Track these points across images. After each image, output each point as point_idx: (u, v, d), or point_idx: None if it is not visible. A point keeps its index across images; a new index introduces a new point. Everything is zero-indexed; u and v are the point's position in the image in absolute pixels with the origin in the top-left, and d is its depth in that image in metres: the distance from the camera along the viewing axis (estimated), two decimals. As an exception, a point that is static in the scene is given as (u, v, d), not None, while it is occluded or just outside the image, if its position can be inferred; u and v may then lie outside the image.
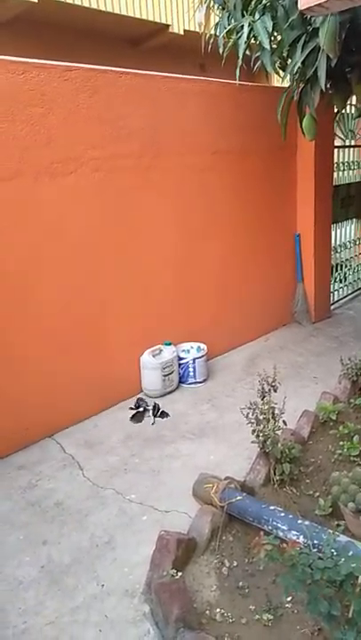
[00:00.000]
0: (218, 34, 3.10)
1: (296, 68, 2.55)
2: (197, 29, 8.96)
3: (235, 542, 2.25)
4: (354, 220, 6.16)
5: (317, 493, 2.53)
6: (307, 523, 2.00)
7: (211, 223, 4.21)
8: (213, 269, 4.33)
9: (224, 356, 4.60)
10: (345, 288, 6.21)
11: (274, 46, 2.84)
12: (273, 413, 2.52)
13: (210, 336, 4.29)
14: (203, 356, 4.01)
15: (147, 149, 3.61)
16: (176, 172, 3.86)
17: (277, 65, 3.06)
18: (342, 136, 6.00)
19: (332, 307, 5.75)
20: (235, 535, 2.29)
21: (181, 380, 4.01)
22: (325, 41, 2.28)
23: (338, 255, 5.87)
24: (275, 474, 2.57)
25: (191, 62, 7.31)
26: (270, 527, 2.09)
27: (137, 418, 3.53)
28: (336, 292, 5.94)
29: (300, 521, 2.03)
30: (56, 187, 3.12)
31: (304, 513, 2.40)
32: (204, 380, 4.07)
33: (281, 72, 3.73)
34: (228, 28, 2.78)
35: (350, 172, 5.88)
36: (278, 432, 2.51)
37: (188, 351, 4.05)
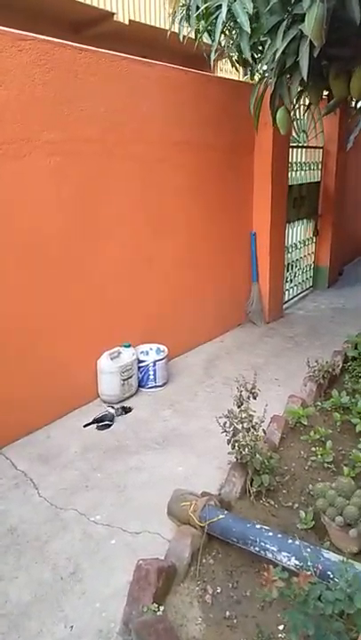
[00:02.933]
0: (190, 14, 2.88)
1: (277, 55, 2.40)
2: (144, 20, 8.72)
3: (216, 565, 2.07)
4: (304, 220, 6.21)
5: (296, 505, 2.41)
6: (297, 542, 1.86)
7: (167, 219, 4.00)
8: (169, 267, 4.12)
9: (182, 358, 4.42)
10: (295, 288, 6.26)
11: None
12: (252, 422, 2.36)
13: (167, 337, 4.08)
14: (163, 358, 3.80)
15: (108, 135, 3.32)
16: (137, 162, 3.61)
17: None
18: (295, 135, 6.01)
19: (283, 306, 5.76)
20: (215, 557, 2.11)
21: (141, 385, 3.78)
22: (312, 27, 2.15)
23: (288, 255, 5.89)
24: (251, 485, 2.42)
25: (135, 54, 7.08)
26: (258, 548, 1.93)
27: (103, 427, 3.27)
28: (286, 292, 5.96)
29: (290, 540, 1.88)
30: (5, 171, 2.76)
31: (285, 527, 2.27)
32: (165, 384, 3.86)
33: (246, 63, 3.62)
34: (203, 6, 2.58)
35: (302, 172, 5.91)
36: (259, 442, 2.35)
37: (148, 353, 3.82)
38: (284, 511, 2.38)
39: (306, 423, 3.02)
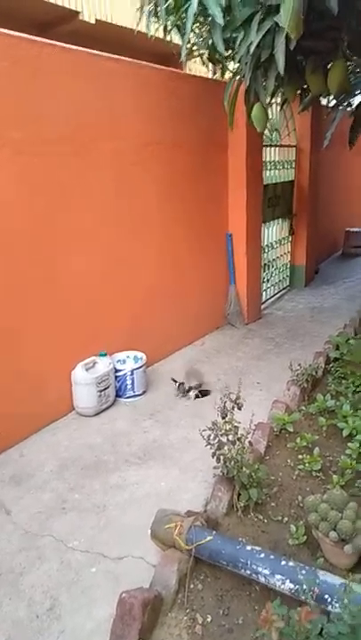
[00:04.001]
0: (158, 8, 2.75)
1: (252, 49, 2.29)
2: (111, 20, 8.54)
3: (205, 590, 1.94)
4: (280, 219, 6.16)
5: (286, 518, 2.30)
6: (291, 563, 1.75)
7: (140, 221, 3.85)
8: (143, 271, 3.98)
9: (161, 364, 4.28)
10: (272, 288, 6.20)
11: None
12: (238, 434, 2.24)
13: (145, 343, 3.94)
14: (141, 366, 3.65)
15: (77, 134, 3.16)
16: (108, 163, 3.45)
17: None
18: (268, 134, 5.95)
19: (261, 307, 5.68)
20: (204, 581, 1.97)
21: (119, 394, 3.62)
22: (288, 18, 2.04)
23: (265, 255, 5.83)
24: (239, 500, 2.30)
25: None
26: (249, 572, 1.81)
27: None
28: (264, 292, 5.89)
29: (283, 562, 1.77)
30: (-33, 172, 2.58)
31: (276, 543, 2.16)
32: (144, 392, 3.72)
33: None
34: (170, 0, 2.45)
35: (276, 171, 5.85)
36: (245, 455, 2.23)
37: (125, 361, 3.67)
38: (273, 526, 2.27)
39: (291, 430, 2.93)
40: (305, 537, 2.12)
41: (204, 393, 3.66)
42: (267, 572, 1.76)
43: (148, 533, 2.17)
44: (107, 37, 8.01)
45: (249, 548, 1.85)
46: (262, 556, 1.80)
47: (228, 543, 1.90)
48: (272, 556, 1.79)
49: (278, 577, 1.73)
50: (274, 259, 6.22)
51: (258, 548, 1.85)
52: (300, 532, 2.13)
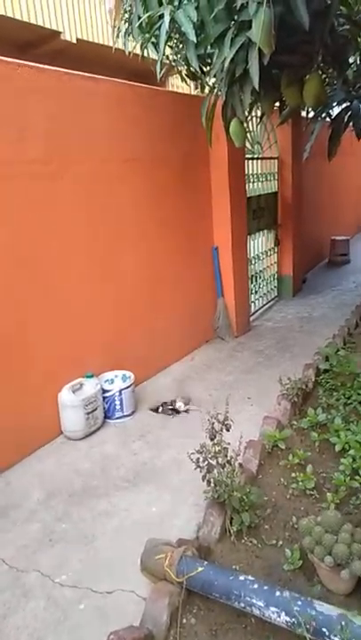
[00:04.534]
0: (131, 24, 2.74)
1: (226, 65, 2.28)
2: (92, 38, 8.61)
3: (198, 625, 1.85)
4: (265, 231, 6.16)
5: (281, 542, 2.23)
6: (286, 594, 1.68)
7: (125, 238, 3.81)
8: (130, 288, 3.93)
9: (150, 382, 4.21)
10: (260, 299, 6.18)
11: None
12: (227, 457, 2.18)
13: (133, 361, 3.88)
14: (129, 385, 3.58)
15: (53, 155, 3.12)
16: (87, 182, 3.41)
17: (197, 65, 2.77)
18: (250, 147, 5.98)
19: (250, 318, 5.65)
20: (197, 614, 1.89)
21: (107, 416, 3.54)
22: (260, 34, 2.03)
23: (252, 267, 5.81)
24: (231, 525, 2.23)
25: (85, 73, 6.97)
26: (243, 604, 1.73)
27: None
28: (253, 304, 5.86)
29: (278, 592, 1.69)
30: None
31: (271, 569, 2.09)
32: (133, 413, 3.64)
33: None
34: (145, 16, 2.43)
35: (259, 183, 5.87)
36: (235, 478, 2.16)
37: (113, 381, 3.59)
38: (268, 550, 2.20)
39: (283, 447, 2.86)
40: (300, 561, 2.05)
41: (176, 410, 3.67)
42: (261, 603, 1.68)
43: (138, 564, 2.09)
44: (89, 56, 8.06)
45: (242, 578, 1.77)
46: (256, 586, 1.73)
47: (220, 574, 1.82)
48: (266, 587, 1.72)
49: (273, 609, 1.65)
50: (261, 270, 6.20)
51: (251, 578, 1.77)
52: (296, 557, 2.06)
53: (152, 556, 1.97)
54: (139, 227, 3.97)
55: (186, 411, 3.63)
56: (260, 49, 2.16)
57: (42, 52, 7.82)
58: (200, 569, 1.84)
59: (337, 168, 8.81)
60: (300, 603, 1.62)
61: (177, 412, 3.64)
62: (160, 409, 3.69)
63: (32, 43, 7.98)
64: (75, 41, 8.19)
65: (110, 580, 2.12)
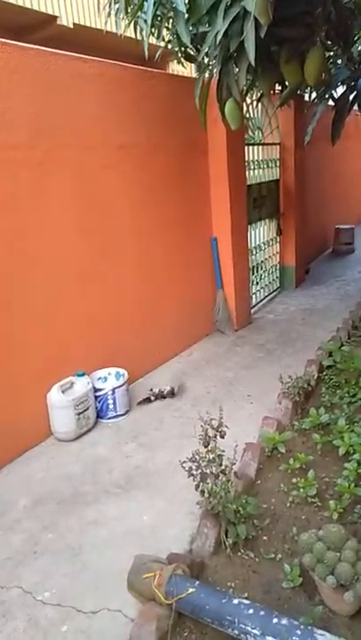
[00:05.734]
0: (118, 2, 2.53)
1: (219, 38, 2.08)
2: (89, 23, 8.36)
3: (190, 650, 1.71)
4: (266, 220, 5.95)
5: (280, 555, 2.08)
6: (285, 621, 1.53)
7: (118, 228, 3.63)
8: (125, 281, 3.76)
9: (146, 379, 4.05)
10: (261, 291, 5.99)
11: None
12: (222, 465, 2.02)
13: (129, 357, 3.72)
14: (123, 383, 3.42)
15: (39, 140, 2.93)
16: (76, 169, 3.22)
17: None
18: (250, 133, 5.75)
19: (251, 311, 5.47)
20: (188, 639, 1.75)
21: (100, 415, 3.39)
22: (256, 2, 1.83)
23: (253, 258, 5.62)
24: (227, 537, 2.08)
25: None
26: (237, 631, 1.58)
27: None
28: (254, 296, 5.68)
29: (275, 619, 1.54)
30: None
31: (269, 586, 1.94)
32: (127, 412, 3.49)
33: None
34: (131, -14, 2.23)
35: (260, 170, 5.65)
36: (231, 489, 2.01)
37: (106, 379, 3.44)
38: (266, 565, 2.05)
39: (284, 450, 2.71)
40: (301, 578, 1.90)
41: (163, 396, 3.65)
42: (257, 632, 1.53)
43: (125, 580, 1.94)
44: (87, 41, 7.81)
45: (236, 601, 1.62)
46: (251, 611, 1.57)
47: (212, 596, 1.67)
48: (262, 612, 1.57)
49: (269, 638, 1.50)
50: (262, 260, 6.00)
51: (246, 602, 1.62)
52: (295, 574, 1.91)
53: (140, 575, 1.82)
54: (133, 217, 3.78)
55: (172, 393, 3.61)
56: (256, 20, 1.96)
57: (38, 37, 7.58)
58: (191, 590, 1.70)
59: (341, 153, 8.55)
60: (299, 632, 1.47)
61: (163, 397, 3.60)
62: (152, 398, 3.61)
63: (27, 28, 7.75)
64: (71, 26, 7.95)
65: (96, 597, 1.98)
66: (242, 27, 2.08)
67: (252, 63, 2.04)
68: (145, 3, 2.21)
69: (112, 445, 3.12)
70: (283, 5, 2.15)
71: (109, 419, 3.39)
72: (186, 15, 2.15)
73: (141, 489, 2.67)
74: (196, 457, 2.06)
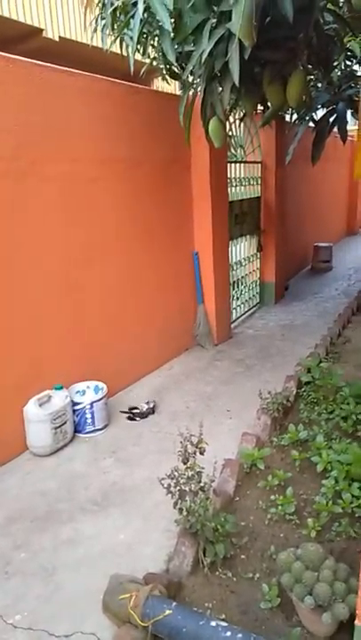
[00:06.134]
0: (103, 13, 2.56)
1: (204, 58, 2.11)
2: (75, 37, 8.42)
3: (165, 674, 1.67)
4: (247, 236, 6.02)
5: (258, 574, 2.06)
6: (262, 642, 1.50)
7: (100, 242, 3.61)
8: (104, 294, 3.73)
9: (125, 392, 4.01)
10: (242, 306, 6.03)
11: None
12: (200, 482, 2.00)
13: (108, 371, 3.68)
14: (102, 397, 3.38)
15: (22, 152, 2.91)
16: (60, 182, 3.21)
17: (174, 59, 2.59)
18: (233, 150, 5.84)
19: (231, 326, 5.49)
20: (164, 662, 1.70)
21: (77, 430, 3.33)
22: (241, 24, 1.87)
23: (233, 273, 5.67)
24: (205, 556, 2.04)
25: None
26: (214, 654, 1.55)
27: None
28: (234, 311, 5.72)
29: (253, 641, 1.51)
30: None
31: (247, 607, 1.91)
32: (105, 427, 3.44)
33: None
34: (118, 2, 2.26)
35: (242, 187, 5.73)
36: (209, 507, 1.98)
37: (84, 392, 3.39)
38: (243, 584, 2.02)
39: (262, 467, 2.70)
40: (279, 599, 1.88)
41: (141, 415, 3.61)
42: (234, 654, 1.50)
43: (101, 600, 1.89)
44: (72, 55, 7.85)
45: (213, 624, 1.59)
46: (229, 634, 1.55)
47: (189, 618, 1.64)
48: (240, 635, 1.54)
49: (247, 661, 1.48)
50: (243, 276, 6.06)
51: (224, 624, 1.59)
52: (273, 594, 1.89)
53: (115, 596, 1.77)
54: (116, 230, 3.77)
55: (152, 411, 3.61)
56: (240, 41, 2.00)
57: (23, 49, 7.57)
58: (168, 612, 1.66)
59: (320, 174, 8.76)
60: (277, 654, 1.45)
61: (143, 415, 3.57)
62: (138, 419, 3.58)
63: (12, 39, 7.74)
64: (57, 39, 7.98)
65: (70, 620, 1.91)
66: (226, 47, 2.12)
67: (237, 83, 2.08)
68: (131, 20, 2.23)
69: (89, 461, 3.06)
70: (266, 29, 2.20)
71: (87, 433, 3.33)
72: (172, 34, 2.18)
73: (118, 506, 2.61)
74: (175, 474, 2.02)
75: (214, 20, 2.14)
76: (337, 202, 11.16)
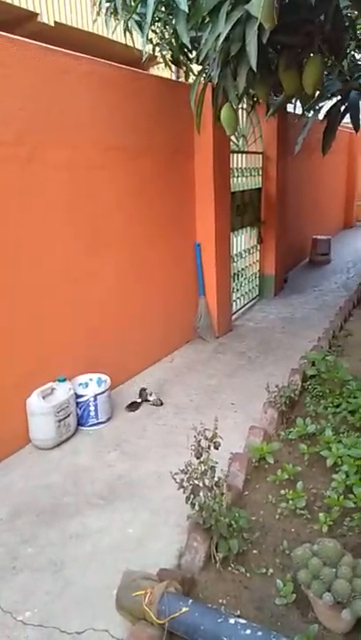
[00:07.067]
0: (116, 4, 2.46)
1: (220, 42, 2.04)
2: (72, 23, 8.25)
3: (182, 672, 1.64)
4: (248, 228, 5.97)
5: (271, 569, 2.03)
6: (283, 641, 1.48)
7: (102, 232, 3.54)
8: (108, 285, 3.66)
9: (128, 385, 3.96)
10: (242, 298, 5.99)
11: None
12: (215, 478, 1.96)
13: (110, 363, 3.62)
14: (105, 390, 3.33)
15: (26, 137, 2.83)
16: (63, 170, 3.12)
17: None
18: (235, 141, 5.76)
19: (232, 318, 5.46)
20: (181, 660, 1.68)
21: (81, 423, 3.28)
22: (262, 7, 1.80)
23: (234, 265, 5.62)
24: (217, 551, 2.02)
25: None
26: (234, 653, 1.52)
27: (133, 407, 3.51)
28: (234, 303, 5.67)
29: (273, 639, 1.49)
30: None
31: (261, 603, 1.89)
32: (109, 419, 3.39)
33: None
34: (132, -17, 2.17)
35: (243, 178, 5.67)
36: (223, 503, 1.95)
37: (87, 385, 3.34)
38: (257, 580, 2.00)
39: (271, 460, 2.67)
40: (294, 595, 1.86)
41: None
42: (255, 653, 1.48)
43: (113, 596, 1.86)
44: (69, 41, 7.67)
45: (232, 621, 1.57)
46: (249, 632, 1.52)
47: (207, 615, 1.61)
48: (260, 633, 1.51)
49: (268, 660, 1.45)
50: (243, 268, 6.01)
51: (243, 622, 1.57)
52: (288, 590, 1.86)
53: (129, 593, 1.74)
54: (118, 220, 3.70)
55: (160, 402, 3.58)
56: (259, 25, 1.93)
57: (17, 34, 7.43)
58: (184, 609, 1.63)
59: (320, 166, 8.71)
60: (299, 653, 1.43)
61: (155, 404, 3.57)
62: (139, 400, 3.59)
63: (7, 24, 7.55)
64: (52, 24, 7.80)
65: (81, 616, 1.88)
66: (243, 30, 2.05)
67: (254, 68, 2.01)
68: (143, 4, 2.16)
69: (94, 454, 3.02)
70: (284, 12, 2.13)
71: (90, 426, 3.28)
72: (186, 15, 2.11)
73: (125, 500, 2.58)
74: (188, 468, 1.99)
75: (231, 2, 2.07)
76: (335, 194, 11.12)
